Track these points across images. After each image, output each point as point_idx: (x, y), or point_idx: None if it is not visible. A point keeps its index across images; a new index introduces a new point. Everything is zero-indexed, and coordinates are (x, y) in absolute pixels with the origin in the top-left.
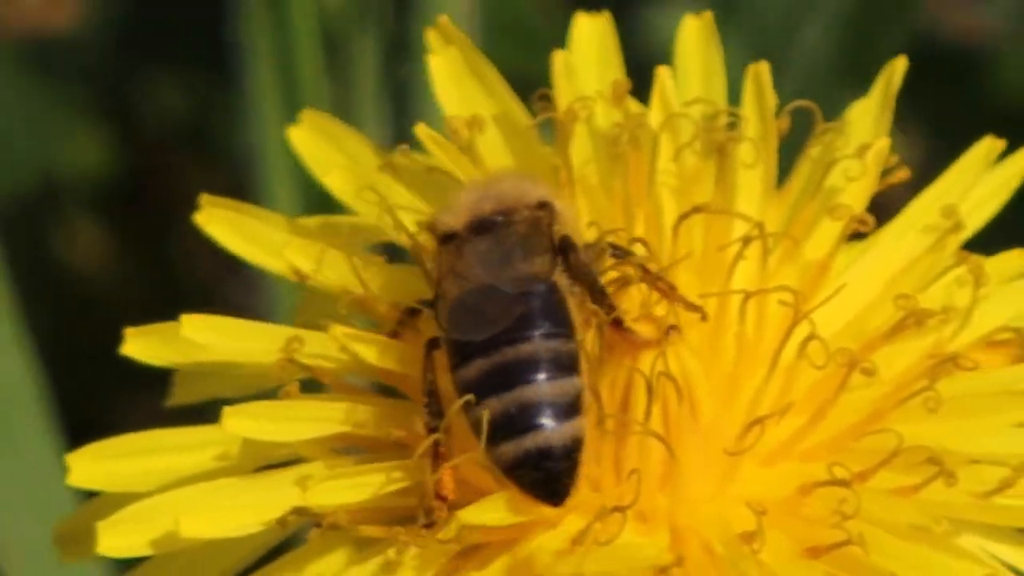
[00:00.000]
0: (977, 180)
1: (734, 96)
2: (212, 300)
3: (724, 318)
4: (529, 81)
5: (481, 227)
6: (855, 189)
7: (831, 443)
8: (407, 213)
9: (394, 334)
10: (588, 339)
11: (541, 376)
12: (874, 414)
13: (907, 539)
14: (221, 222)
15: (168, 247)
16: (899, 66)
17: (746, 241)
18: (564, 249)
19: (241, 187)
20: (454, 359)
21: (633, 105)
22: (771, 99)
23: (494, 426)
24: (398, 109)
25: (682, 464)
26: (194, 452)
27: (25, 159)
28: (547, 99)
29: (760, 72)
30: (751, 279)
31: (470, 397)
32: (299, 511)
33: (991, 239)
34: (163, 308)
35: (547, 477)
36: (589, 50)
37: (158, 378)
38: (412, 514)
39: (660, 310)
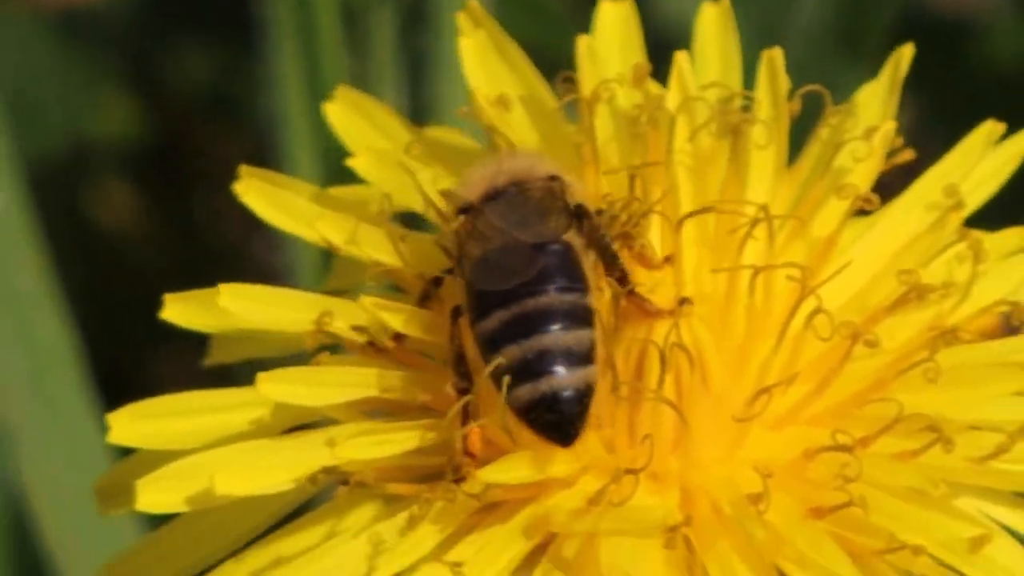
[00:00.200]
0: (978, 160)
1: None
2: (236, 257)
3: (735, 292)
4: (545, 56)
5: (497, 196)
6: (862, 170)
7: (835, 410)
8: (434, 189)
9: (421, 303)
10: (603, 308)
11: (557, 326)
12: (876, 383)
13: (906, 501)
14: (257, 193)
15: (193, 207)
16: (907, 52)
17: (753, 223)
18: (579, 215)
19: (263, 151)
20: (475, 313)
21: (653, 87)
22: (784, 83)
23: (512, 371)
24: (414, 78)
25: (693, 429)
26: (229, 413)
27: (59, 125)
28: (570, 81)
29: (774, 57)
30: (761, 255)
31: (500, 361)
32: (328, 470)
33: (991, 217)
34: (190, 265)
35: (560, 419)
36: (612, 35)
37: (187, 334)
38: (436, 473)
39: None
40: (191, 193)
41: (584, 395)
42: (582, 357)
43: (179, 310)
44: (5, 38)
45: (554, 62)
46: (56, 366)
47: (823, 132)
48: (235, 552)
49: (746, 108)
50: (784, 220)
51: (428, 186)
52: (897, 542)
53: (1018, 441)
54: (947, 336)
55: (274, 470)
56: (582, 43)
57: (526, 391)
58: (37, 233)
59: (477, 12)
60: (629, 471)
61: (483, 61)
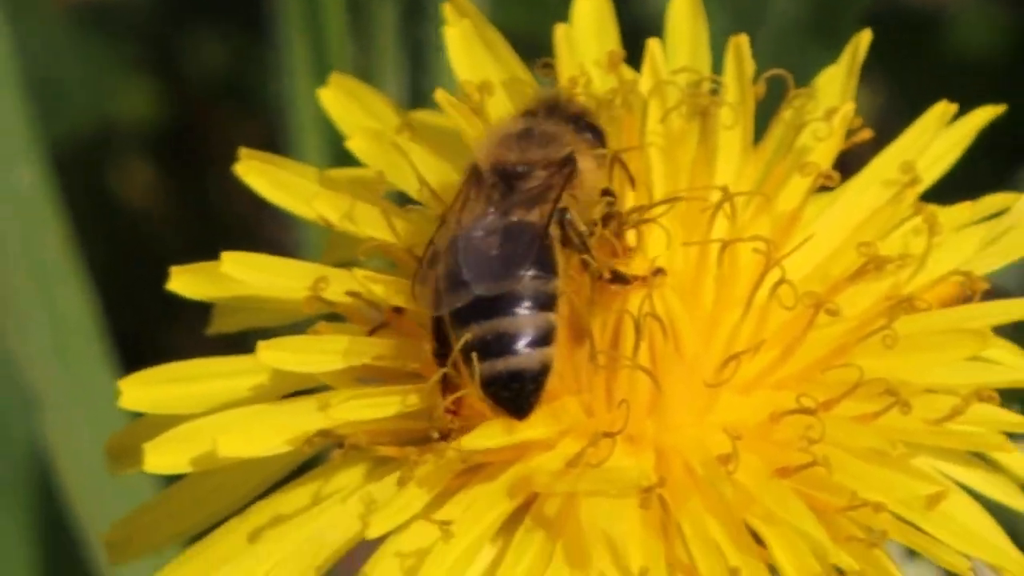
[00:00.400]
0: (933, 139)
1: (716, 61)
2: (249, 233)
3: (705, 264)
4: (536, 44)
5: (501, 172)
6: (823, 148)
7: (800, 375)
8: (424, 168)
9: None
10: (582, 283)
11: (519, 310)
12: (838, 350)
13: (867, 461)
14: (257, 173)
15: (208, 186)
16: (864, 38)
17: (718, 206)
18: (562, 216)
19: (273, 134)
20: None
21: (627, 72)
22: (749, 68)
23: (475, 348)
24: (414, 66)
25: (666, 394)
26: (231, 380)
27: (83, 108)
28: (549, 66)
29: (740, 43)
30: (729, 229)
31: (467, 336)
32: (323, 433)
33: (946, 193)
34: (205, 240)
35: (513, 397)
36: (588, 24)
37: (201, 306)
38: (425, 437)
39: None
40: (206, 173)
41: (538, 375)
42: (540, 340)
43: (184, 281)
44: (35, 29)
45: (546, 48)
46: (78, 336)
47: (786, 114)
48: (238, 511)
49: (715, 91)
50: (750, 196)
51: (420, 164)
52: (859, 499)
53: (971, 403)
54: (904, 305)
55: (272, 433)
56: (560, 31)
57: (485, 368)
58: (61, 210)
59: (462, 3)
60: (607, 434)
61: (468, 49)
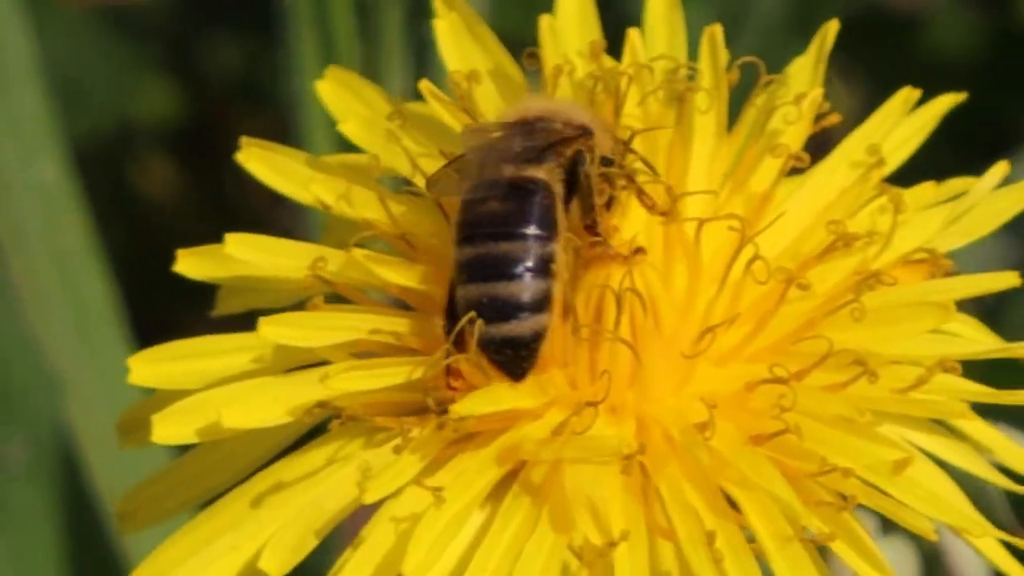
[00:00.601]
0: (897, 123)
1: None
2: (262, 225)
3: (682, 242)
4: (528, 39)
5: (522, 124)
6: (793, 131)
7: (772, 347)
8: (415, 153)
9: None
10: (569, 256)
11: (515, 274)
12: (809, 323)
13: (836, 428)
14: (257, 159)
15: (224, 180)
16: (832, 28)
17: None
18: (574, 164)
19: (285, 130)
20: (456, 236)
21: (608, 61)
22: (723, 55)
23: (475, 309)
24: (419, 63)
25: (646, 366)
26: (235, 355)
27: (105, 107)
28: (534, 56)
29: (714, 33)
30: (705, 208)
31: (472, 315)
32: (322, 404)
33: (909, 175)
34: (221, 231)
35: (508, 360)
36: (572, 15)
37: (216, 291)
38: (419, 408)
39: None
40: (222, 168)
41: (533, 340)
42: (536, 306)
43: (190, 263)
44: (59, 30)
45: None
46: (99, 322)
47: (759, 99)
48: (243, 480)
49: (690, 78)
50: (725, 177)
51: (412, 148)
52: (828, 465)
53: (935, 373)
54: (871, 280)
55: (273, 405)
56: (544, 22)
57: (482, 331)
58: (84, 203)
59: None
60: (589, 404)
61: (456, 40)
